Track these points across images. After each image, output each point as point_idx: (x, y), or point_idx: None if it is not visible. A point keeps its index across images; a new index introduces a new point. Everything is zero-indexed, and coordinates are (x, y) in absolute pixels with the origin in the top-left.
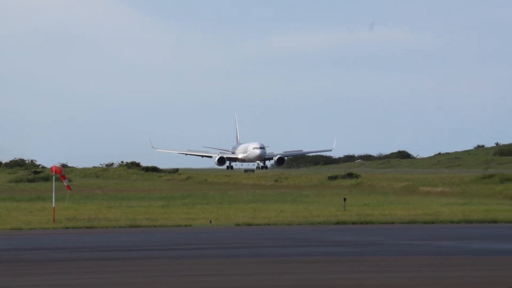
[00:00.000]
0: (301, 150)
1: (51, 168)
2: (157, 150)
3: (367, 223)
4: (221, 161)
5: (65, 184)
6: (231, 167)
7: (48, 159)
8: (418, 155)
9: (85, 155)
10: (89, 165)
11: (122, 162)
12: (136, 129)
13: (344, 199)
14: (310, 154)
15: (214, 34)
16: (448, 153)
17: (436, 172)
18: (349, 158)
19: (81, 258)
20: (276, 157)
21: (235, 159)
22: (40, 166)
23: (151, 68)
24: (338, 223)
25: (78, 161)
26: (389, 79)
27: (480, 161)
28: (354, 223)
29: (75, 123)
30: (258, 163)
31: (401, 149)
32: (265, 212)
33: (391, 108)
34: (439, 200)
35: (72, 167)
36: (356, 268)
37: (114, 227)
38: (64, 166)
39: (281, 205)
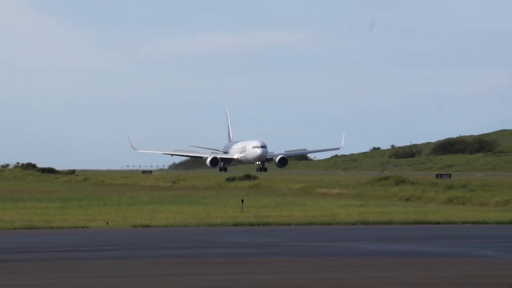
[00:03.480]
0: (305, 149)
1: None
2: (138, 150)
3: (264, 224)
4: (214, 162)
5: None
6: (225, 169)
7: None
8: (315, 157)
9: None
10: None
11: (18, 163)
12: (30, 130)
13: (242, 201)
14: (345, 154)
15: (112, 34)
16: (344, 155)
17: (332, 174)
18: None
19: None
20: (278, 158)
21: (230, 160)
22: None
23: (53, 68)
24: (235, 224)
25: None
26: (284, 81)
27: (376, 163)
28: (251, 224)
29: None
30: (257, 164)
31: None
32: (163, 214)
33: (288, 110)
34: (336, 202)
35: None
36: (254, 270)
37: (9, 228)
38: None
39: (179, 207)
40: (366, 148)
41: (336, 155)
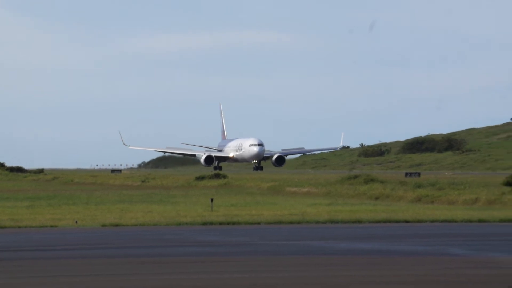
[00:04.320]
0: (303, 148)
1: None
2: (130, 147)
3: (234, 223)
4: (209, 160)
5: None
6: (220, 168)
7: None
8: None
9: None
10: None
11: None
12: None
13: (212, 200)
14: (316, 152)
15: (87, 32)
16: (314, 154)
17: (302, 172)
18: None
19: None
20: (275, 156)
21: (225, 158)
22: None
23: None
24: (205, 223)
25: None
26: (262, 80)
27: (345, 162)
28: (221, 223)
29: None
30: (254, 162)
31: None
32: (132, 213)
33: (257, 108)
34: (305, 201)
35: None
36: (223, 268)
37: None
38: None
39: (149, 206)
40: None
41: (305, 154)
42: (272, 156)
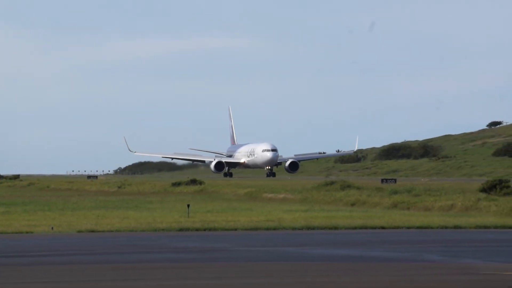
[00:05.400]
0: (317, 153)
1: None
2: (135, 153)
3: (210, 229)
4: (219, 166)
5: None
6: (230, 174)
7: None
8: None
9: None
10: None
11: None
12: None
13: (188, 206)
14: (310, 158)
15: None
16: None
17: (278, 179)
18: (193, 165)
19: None
20: (288, 162)
21: (236, 164)
22: None
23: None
24: (181, 229)
25: None
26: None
27: (322, 168)
28: (197, 229)
29: None
30: (267, 168)
31: None
32: (108, 219)
33: (240, 114)
34: (282, 207)
35: None
36: (201, 275)
37: None
38: None
39: (125, 212)
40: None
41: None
42: (285, 162)
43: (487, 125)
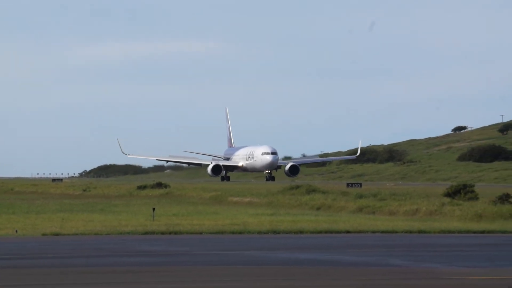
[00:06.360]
0: (317, 156)
1: None
2: (129, 156)
3: (176, 233)
4: (216, 170)
5: None
6: (228, 178)
7: None
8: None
9: None
10: None
11: None
12: None
13: (153, 209)
14: (312, 161)
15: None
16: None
17: (244, 182)
18: (158, 168)
19: None
20: (288, 165)
21: (234, 168)
22: None
23: None
24: (146, 233)
25: None
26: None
27: (262, 172)
28: (163, 233)
29: None
30: (266, 172)
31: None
32: (73, 222)
33: (200, 119)
34: (247, 210)
35: None
36: (164, 278)
37: None
38: None
39: (90, 215)
40: None
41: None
42: (285, 166)
43: (452, 130)
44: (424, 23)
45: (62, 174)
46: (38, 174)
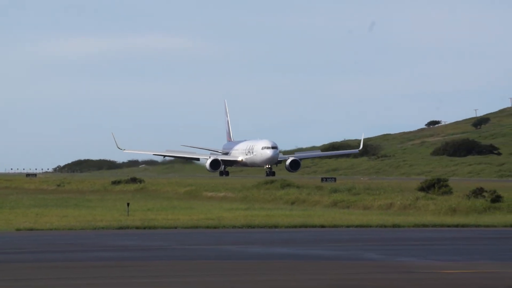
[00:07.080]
0: (318, 151)
1: None
2: (125, 151)
3: (150, 228)
4: (215, 164)
5: None
6: (227, 173)
7: None
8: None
9: None
10: None
11: None
12: None
13: (128, 204)
14: (313, 156)
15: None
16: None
17: (218, 177)
18: (133, 163)
19: None
20: (289, 160)
21: (233, 162)
22: None
23: None
24: (121, 227)
25: None
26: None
27: (262, 167)
28: (137, 227)
29: None
30: (266, 167)
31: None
32: (47, 217)
33: (180, 113)
34: (222, 205)
35: None
36: (138, 273)
37: None
38: None
39: (64, 210)
40: None
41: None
42: (285, 161)
43: (426, 125)
44: (398, 18)
45: (36, 169)
46: (12, 169)
